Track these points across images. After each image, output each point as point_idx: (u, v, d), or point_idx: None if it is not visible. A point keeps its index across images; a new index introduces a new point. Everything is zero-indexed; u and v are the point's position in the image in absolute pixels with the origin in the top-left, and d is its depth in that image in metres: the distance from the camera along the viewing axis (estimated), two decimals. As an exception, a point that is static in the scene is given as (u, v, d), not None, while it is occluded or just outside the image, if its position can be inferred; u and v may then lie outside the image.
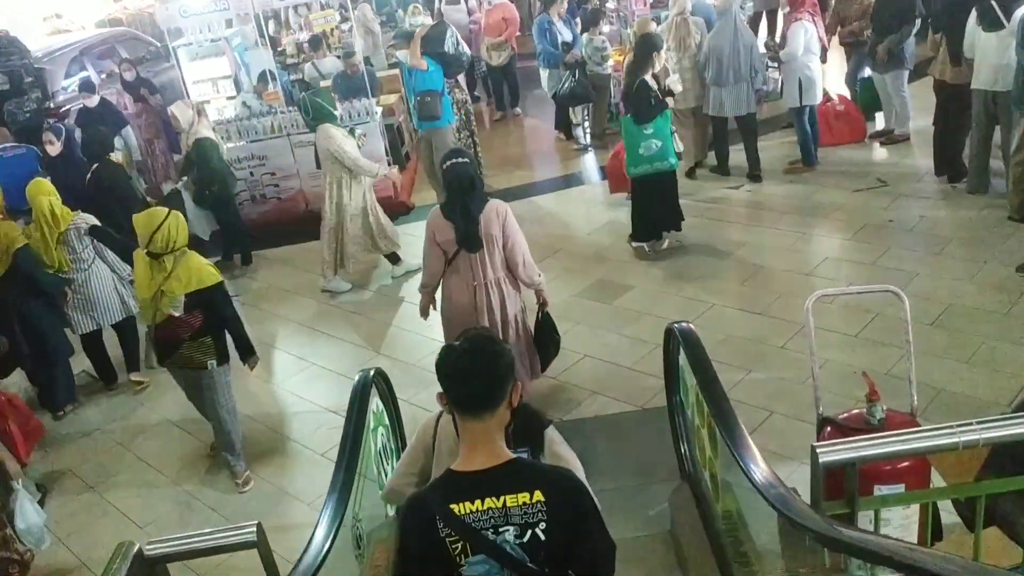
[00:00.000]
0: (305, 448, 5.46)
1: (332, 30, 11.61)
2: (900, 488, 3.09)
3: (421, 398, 5.53)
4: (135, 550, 2.61)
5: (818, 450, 2.64)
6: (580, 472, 2.72)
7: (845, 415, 3.38)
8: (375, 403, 4.07)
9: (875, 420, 3.21)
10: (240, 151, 8.80)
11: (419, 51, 7.93)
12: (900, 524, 3.09)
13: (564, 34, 9.97)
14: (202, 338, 4.90)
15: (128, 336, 6.49)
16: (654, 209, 7.02)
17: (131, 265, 5.42)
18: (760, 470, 2.78)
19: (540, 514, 2.11)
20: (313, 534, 2.91)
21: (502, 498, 2.11)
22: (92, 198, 6.89)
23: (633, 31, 8.55)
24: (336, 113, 7.30)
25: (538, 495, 2.12)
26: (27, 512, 4.49)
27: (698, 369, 3.56)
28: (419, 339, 6.31)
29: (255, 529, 2.67)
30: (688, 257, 7.05)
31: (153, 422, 6.05)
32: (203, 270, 4.83)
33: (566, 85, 9.57)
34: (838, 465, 2.67)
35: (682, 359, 4.03)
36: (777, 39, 9.97)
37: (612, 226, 7.93)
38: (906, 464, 3.08)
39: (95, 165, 7.12)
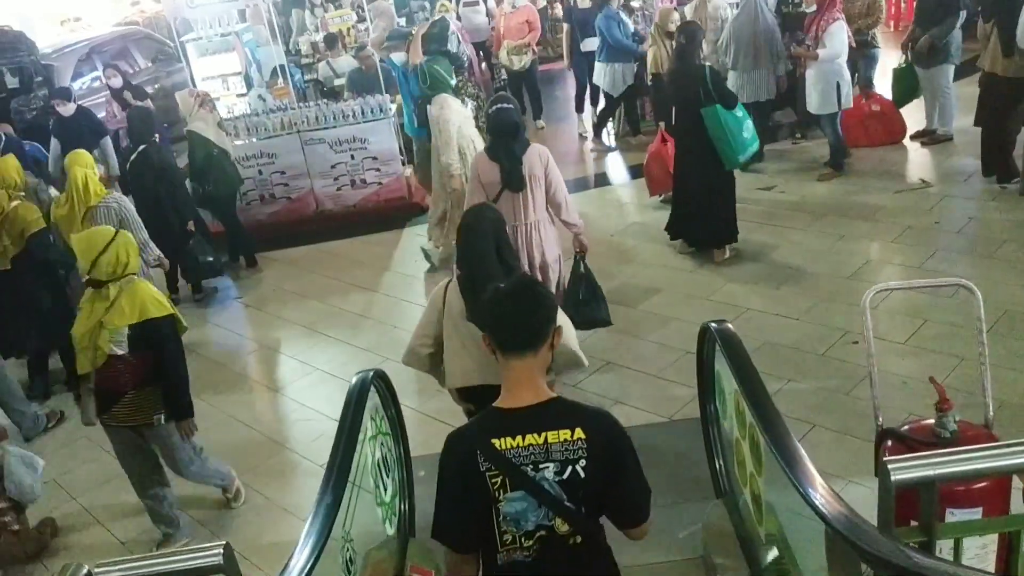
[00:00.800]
0: (304, 459, 5.06)
1: (348, 29, 11.32)
2: (977, 512, 2.66)
3: (431, 406, 5.12)
4: (83, 572, 2.24)
5: (890, 466, 2.21)
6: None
7: (910, 426, 2.94)
8: (375, 408, 3.66)
9: (947, 432, 2.77)
10: (248, 148, 8.45)
11: (420, 51, 7.32)
12: (976, 554, 2.63)
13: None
14: (149, 387, 4.10)
15: None
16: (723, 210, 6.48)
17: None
18: (819, 491, 2.33)
19: (581, 451, 2.14)
20: (289, 561, 2.50)
21: (543, 434, 2.15)
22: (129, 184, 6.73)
23: (656, 23, 8.15)
24: (452, 82, 6.84)
25: (579, 432, 2.15)
26: (17, 473, 4.38)
27: (740, 374, 3.12)
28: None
29: (222, 551, 2.26)
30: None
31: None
32: (150, 300, 4.05)
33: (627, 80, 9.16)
34: (912, 484, 2.23)
35: (719, 363, 3.60)
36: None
37: (637, 228, 7.51)
38: (984, 484, 2.65)
39: (141, 147, 6.81)
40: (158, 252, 5.96)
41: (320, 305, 7.00)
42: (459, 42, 7.88)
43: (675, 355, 5.35)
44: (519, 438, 2.15)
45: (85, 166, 5.80)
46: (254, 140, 8.49)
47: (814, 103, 7.57)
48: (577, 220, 4.98)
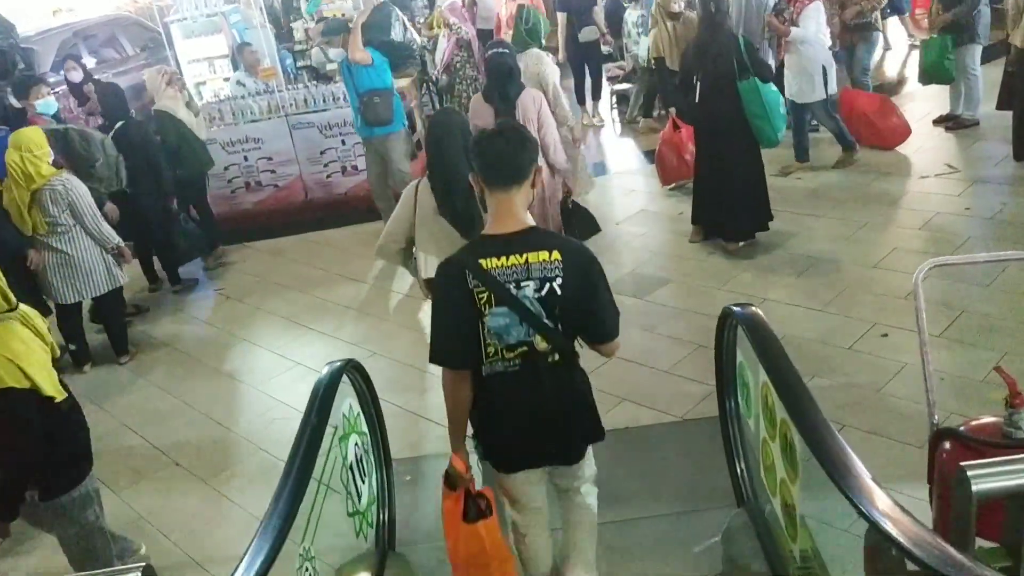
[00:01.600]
0: (279, 461, 4.56)
1: (343, 15, 10.87)
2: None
3: (419, 403, 4.70)
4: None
5: (971, 473, 1.76)
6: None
7: (969, 426, 2.47)
8: (348, 404, 3.21)
9: (1022, 432, 2.31)
10: (233, 133, 7.99)
11: (360, 42, 6.67)
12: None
13: None
14: None
15: (112, 311, 5.95)
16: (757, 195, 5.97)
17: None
18: (882, 504, 1.88)
19: (557, 270, 2.44)
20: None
21: (524, 255, 2.44)
22: None
23: (658, 3, 7.67)
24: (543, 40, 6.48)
25: (556, 254, 2.45)
26: None
27: (770, 363, 2.66)
28: (419, 337, 5.46)
29: (140, 573, 1.82)
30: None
31: (112, 428, 5.22)
32: (7, 361, 2.88)
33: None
34: (1000, 495, 1.79)
35: (742, 353, 3.15)
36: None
37: (645, 215, 7.06)
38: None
39: (119, 124, 6.40)
40: (117, 240, 5.52)
41: (305, 297, 6.55)
42: (405, 29, 7.35)
43: (687, 349, 4.89)
44: (503, 259, 2.44)
45: (21, 148, 5.25)
46: (240, 124, 8.02)
47: (795, 91, 6.91)
48: (563, 163, 5.06)
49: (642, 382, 4.69)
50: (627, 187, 7.88)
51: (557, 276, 2.43)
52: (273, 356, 5.76)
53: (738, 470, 3.43)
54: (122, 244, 5.60)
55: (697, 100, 5.86)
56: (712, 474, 3.78)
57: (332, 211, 8.07)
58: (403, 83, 9.38)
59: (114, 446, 4.98)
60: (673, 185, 7.23)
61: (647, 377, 4.73)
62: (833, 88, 6.97)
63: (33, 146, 5.24)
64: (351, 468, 3.08)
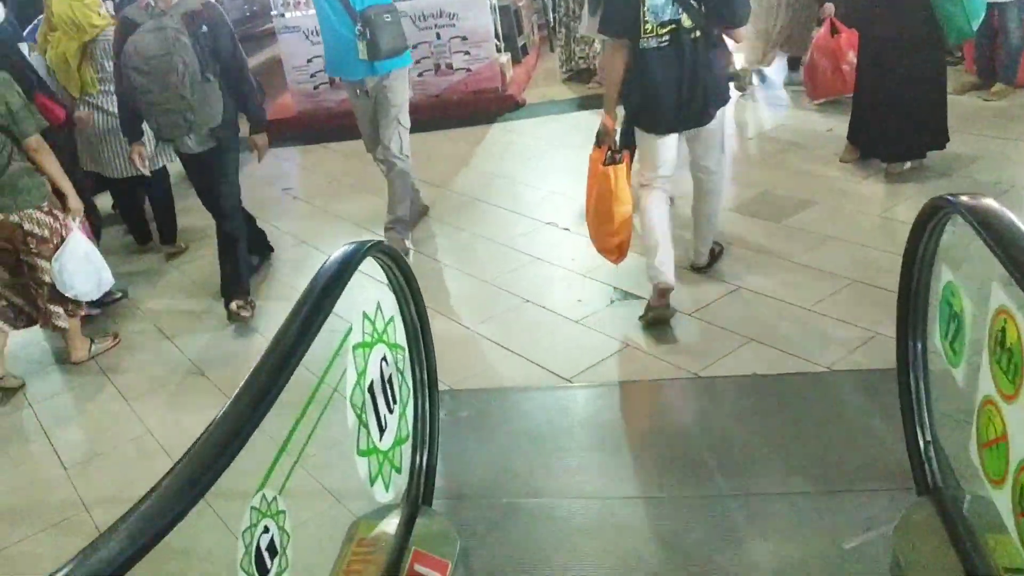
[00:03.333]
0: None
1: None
2: None
3: (491, 328, 3.85)
4: None
5: None
6: None
7: None
8: (375, 303, 2.32)
9: None
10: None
11: None
12: None
13: None
14: None
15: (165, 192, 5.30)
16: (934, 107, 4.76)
17: None
18: None
19: None
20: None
21: None
22: None
23: None
24: None
25: None
26: (72, 275, 3.91)
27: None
28: (497, 251, 4.63)
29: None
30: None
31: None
32: None
33: None
34: None
35: (951, 270, 2.10)
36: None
37: (785, 131, 5.91)
38: None
39: None
40: None
41: (378, 201, 5.71)
42: None
43: (836, 284, 3.82)
44: None
45: None
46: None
47: None
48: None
49: (775, 320, 3.65)
50: (766, 99, 6.69)
51: None
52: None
53: (921, 443, 2.38)
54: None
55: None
56: (871, 444, 2.80)
57: (421, 114, 7.13)
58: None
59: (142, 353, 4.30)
60: (823, 100, 6.03)
61: (782, 315, 3.69)
62: None
63: None
64: (370, 390, 2.20)
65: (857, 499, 2.61)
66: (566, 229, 4.82)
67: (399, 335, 2.48)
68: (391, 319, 2.42)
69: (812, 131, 5.66)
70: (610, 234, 3.72)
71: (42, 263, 3.88)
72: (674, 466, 2.90)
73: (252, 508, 1.58)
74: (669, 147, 3.64)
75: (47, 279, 3.90)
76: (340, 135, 6.94)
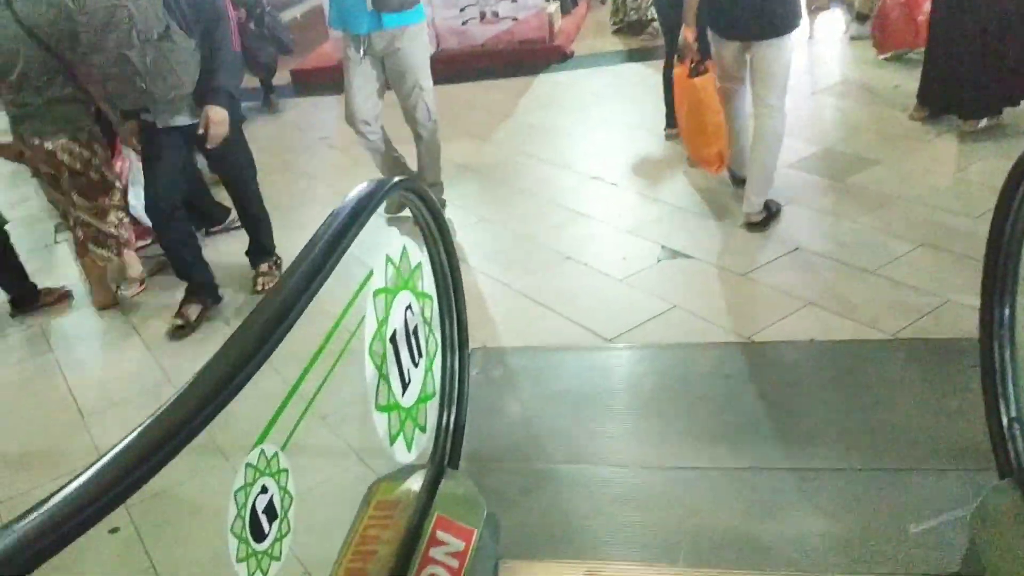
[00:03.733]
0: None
1: None
2: None
3: (526, 283, 3.63)
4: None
5: None
6: None
7: None
8: (400, 247, 2.12)
9: None
10: None
11: None
12: None
13: None
14: None
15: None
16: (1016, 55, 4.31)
17: None
18: None
19: None
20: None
21: None
22: None
23: None
24: None
25: None
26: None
27: None
28: (538, 204, 4.38)
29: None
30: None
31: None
32: None
33: None
34: None
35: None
36: None
37: (848, 87, 5.58)
38: None
39: None
40: None
41: (414, 150, 5.50)
42: None
43: (904, 246, 3.53)
44: None
45: None
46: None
47: None
48: None
49: (837, 283, 3.39)
50: (828, 53, 6.34)
51: None
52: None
53: (1004, 420, 2.12)
54: None
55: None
56: (940, 419, 2.56)
57: (465, 65, 6.91)
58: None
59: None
60: (890, 54, 5.66)
61: (844, 277, 3.42)
62: None
63: None
64: (392, 340, 2.00)
65: (924, 479, 2.37)
66: (613, 184, 4.58)
67: (427, 283, 2.28)
68: (418, 265, 2.21)
69: (877, 87, 5.33)
70: (706, 144, 3.92)
71: (78, 198, 3.79)
72: (721, 436, 2.68)
73: (248, 465, 1.40)
74: (737, 53, 3.74)
75: (84, 217, 3.82)
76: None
